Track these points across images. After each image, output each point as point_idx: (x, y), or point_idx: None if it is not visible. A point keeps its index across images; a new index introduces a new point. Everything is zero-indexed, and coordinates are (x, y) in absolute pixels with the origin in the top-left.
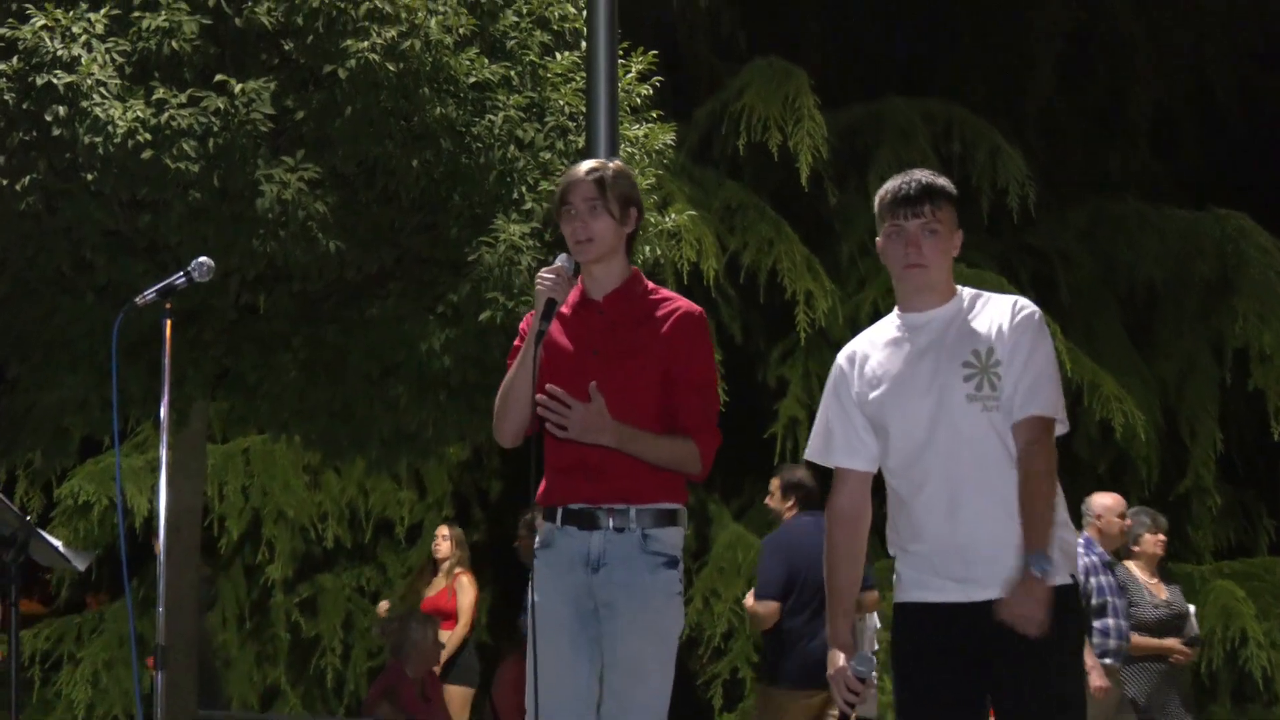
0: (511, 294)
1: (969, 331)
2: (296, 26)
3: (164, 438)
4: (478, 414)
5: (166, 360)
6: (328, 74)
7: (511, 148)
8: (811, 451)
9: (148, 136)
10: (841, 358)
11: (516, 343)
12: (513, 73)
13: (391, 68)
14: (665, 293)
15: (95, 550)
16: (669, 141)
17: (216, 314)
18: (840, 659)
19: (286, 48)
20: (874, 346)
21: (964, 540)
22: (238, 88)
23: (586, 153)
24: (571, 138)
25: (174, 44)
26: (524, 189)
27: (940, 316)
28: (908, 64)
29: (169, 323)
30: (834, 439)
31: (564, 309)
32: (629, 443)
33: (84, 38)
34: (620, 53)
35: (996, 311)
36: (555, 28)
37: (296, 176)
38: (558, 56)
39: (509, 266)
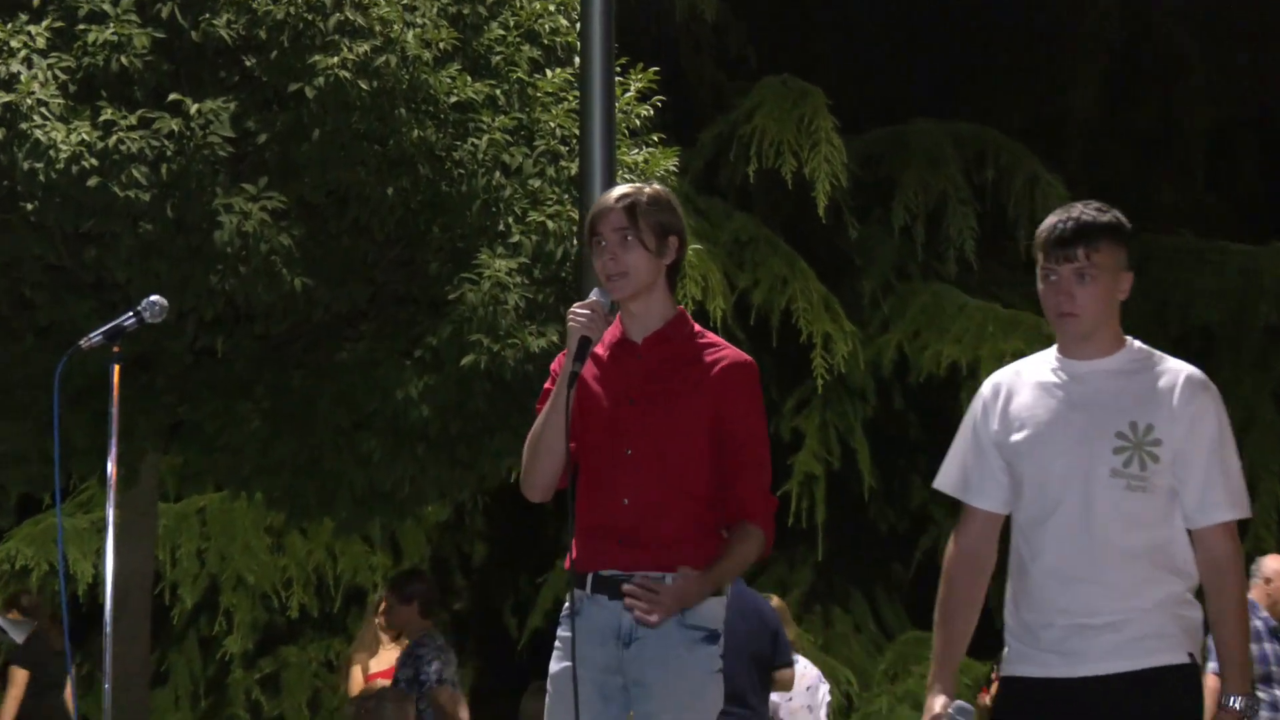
0: (497, 336)
1: (1130, 397)
2: (259, 41)
3: (111, 496)
4: (459, 468)
5: (114, 409)
6: (293, 93)
7: (497, 174)
8: (945, 482)
9: (94, 162)
10: (986, 388)
11: (548, 385)
12: (499, 91)
13: (364, 86)
14: (713, 337)
15: (34, 621)
16: (671, 168)
17: (170, 358)
18: (938, 704)
19: (248, 64)
20: (1023, 384)
21: (1076, 616)
22: (194, 108)
23: (580, 180)
24: (564, 163)
25: (123, 60)
26: (511, 220)
27: (1101, 369)
28: (935, 83)
29: (117, 368)
30: (969, 474)
31: (599, 351)
32: (718, 578)
33: (23, 53)
34: (617, 70)
35: (1166, 380)
36: (546, 42)
37: (259, 206)
38: (548, 74)
39: (494, 306)
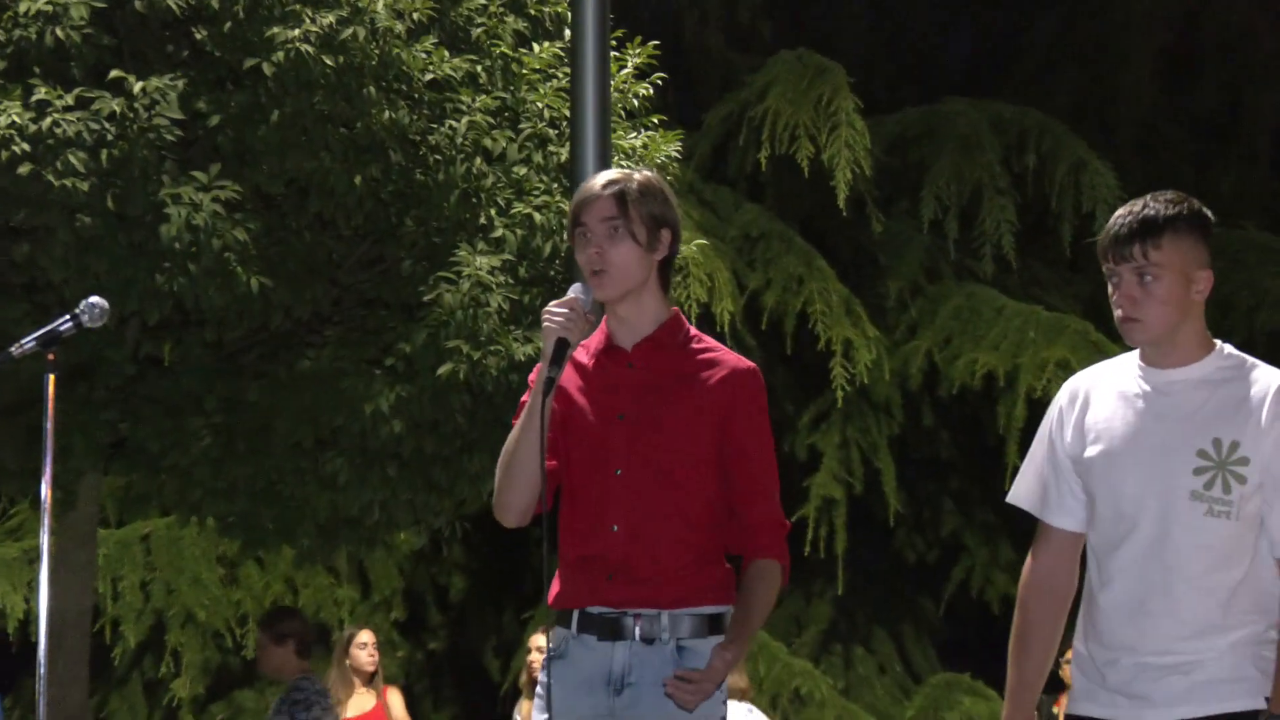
0: (477, 343)
1: (1215, 410)
2: (211, 11)
3: (45, 521)
4: (435, 492)
5: (49, 425)
6: (249, 70)
7: (478, 161)
8: (1019, 496)
9: (25, 147)
10: (1063, 393)
11: (525, 398)
12: (480, 68)
13: (329, 62)
14: (711, 342)
15: None
16: (673, 153)
17: (111, 368)
18: None
19: (198, 37)
20: (1102, 391)
21: (1144, 655)
22: (137, 87)
23: (571, 167)
24: (552, 149)
25: (59, 32)
26: (493, 212)
27: (1186, 378)
28: (971, 59)
29: (52, 379)
30: (1046, 489)
31: (583, 358)
32: (746, 642)
33: None
34: (613, 44)
35: (1256, 390)
36: (532, 12)
37: (210, 197)
38: (535, 48)
39: (474, 309)
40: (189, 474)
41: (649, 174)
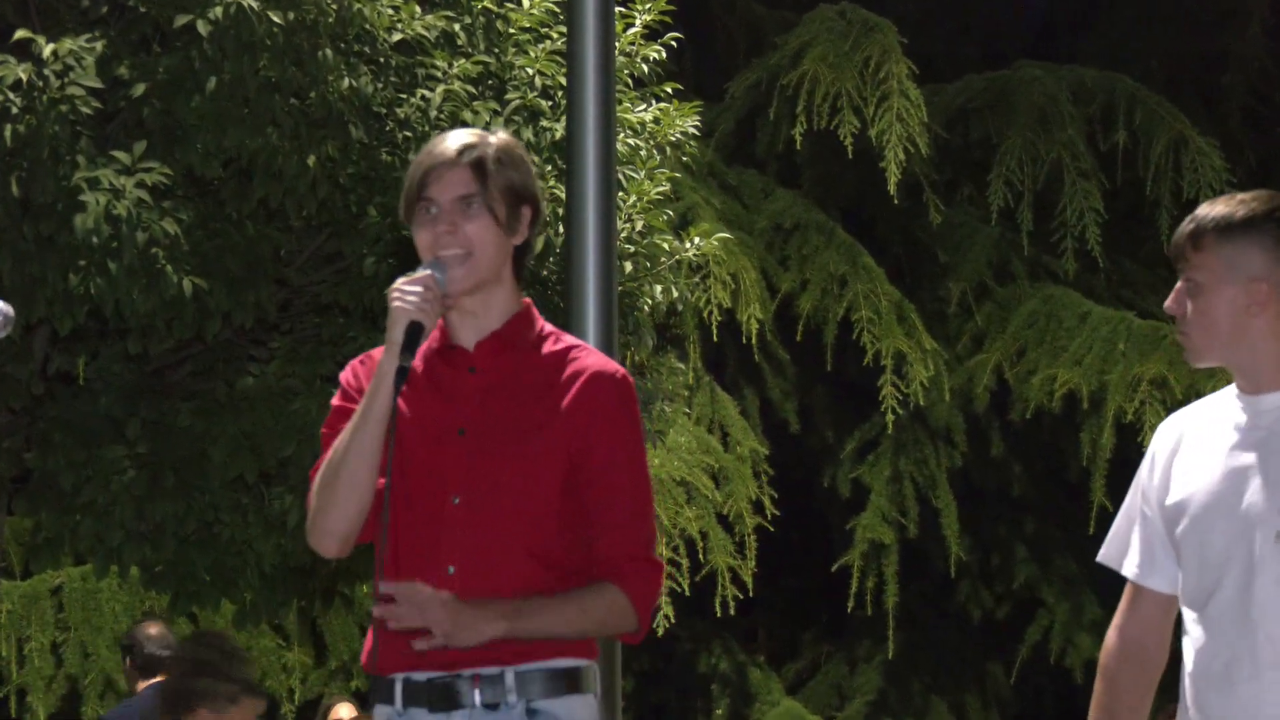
0: None
1: None
2: None
3: None
4: None
5: None
6: (181, 29)
7: None
8: (1111, 554)
9: None
10: (1161, 433)
11: (337, 401)
12: (457, 26)
13: (276, 19)
14: (570, 339)
15: None
16: (691, 129)
17: (13, 386)
18: None
19: None
20: (1202, 426)
21: None
22: (47, 49)
23: (569, 145)
24: (545, 123)
25: None
26: None
27: (1276, 407)
28: (1047, 18)
29: None
30: (1136, 544)
31: (414, 361)
32: (528, 622)
33: None
34: None
35: None
36: None
37: (134, 181)
38: (524, 3)
39: None
40: (108, 513)
41: (505, 135)
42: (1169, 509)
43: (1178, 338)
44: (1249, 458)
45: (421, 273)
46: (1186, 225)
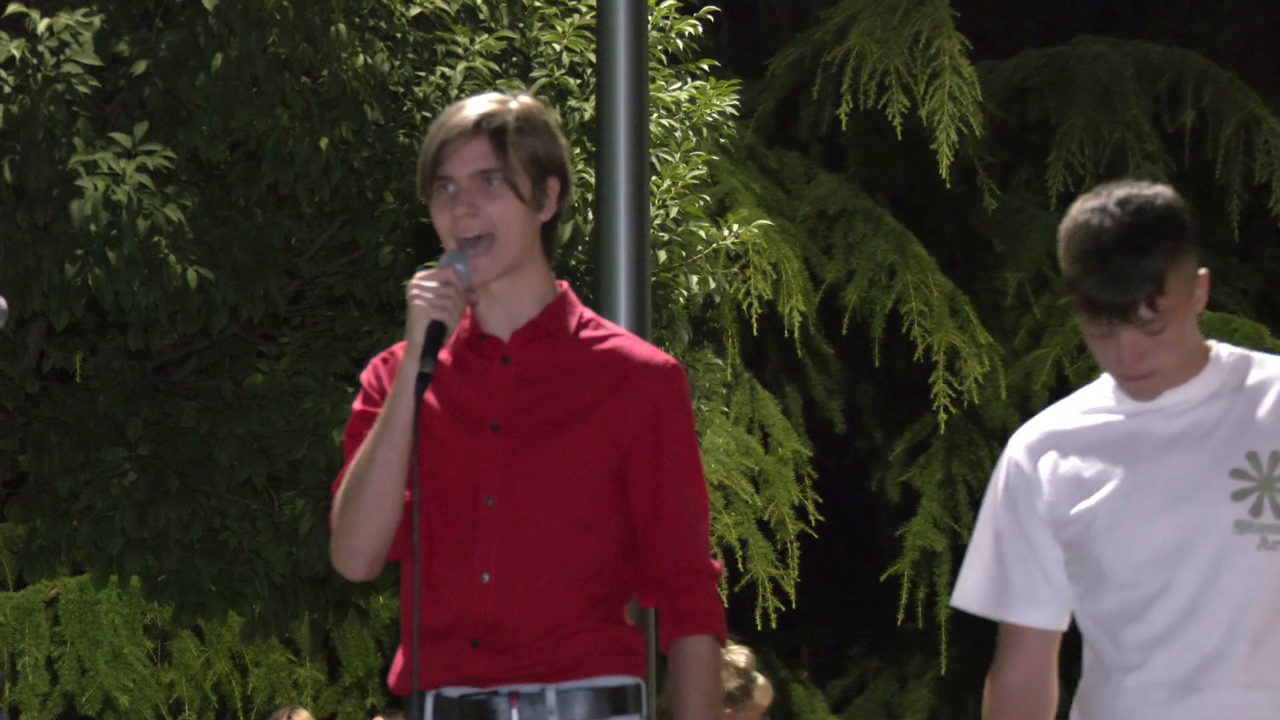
0: None
1: (1240, 420)
2: None
3: None
4: None
5: None
6: (184, 2)
7: None
8: (969, 595)
9: None
10: (1015, 450)
11: (359, 405)
12: (479, 0)
13: None
14: (612, 327)
15: None
16: (729, 108)
17: (7, 384)
18: None
19: None
20: (1077, 431)
21: None
22: (42, 25)
23: (599, 126)
24: (573, 103)
25: None
26: None
27: (1192, 395)
28: None
29: None
30: (1010, 581)
31: (442, 353)
32: None
33: None
34: None
35: None
36: None
37: (135, 165)
38: None
39: None
40: (107, 520)
41: (529, 100)
42: (1072, 522)
43: (1136, 380)
44: (1168, 453)
45: (442, 265)
46: (1116, 281)
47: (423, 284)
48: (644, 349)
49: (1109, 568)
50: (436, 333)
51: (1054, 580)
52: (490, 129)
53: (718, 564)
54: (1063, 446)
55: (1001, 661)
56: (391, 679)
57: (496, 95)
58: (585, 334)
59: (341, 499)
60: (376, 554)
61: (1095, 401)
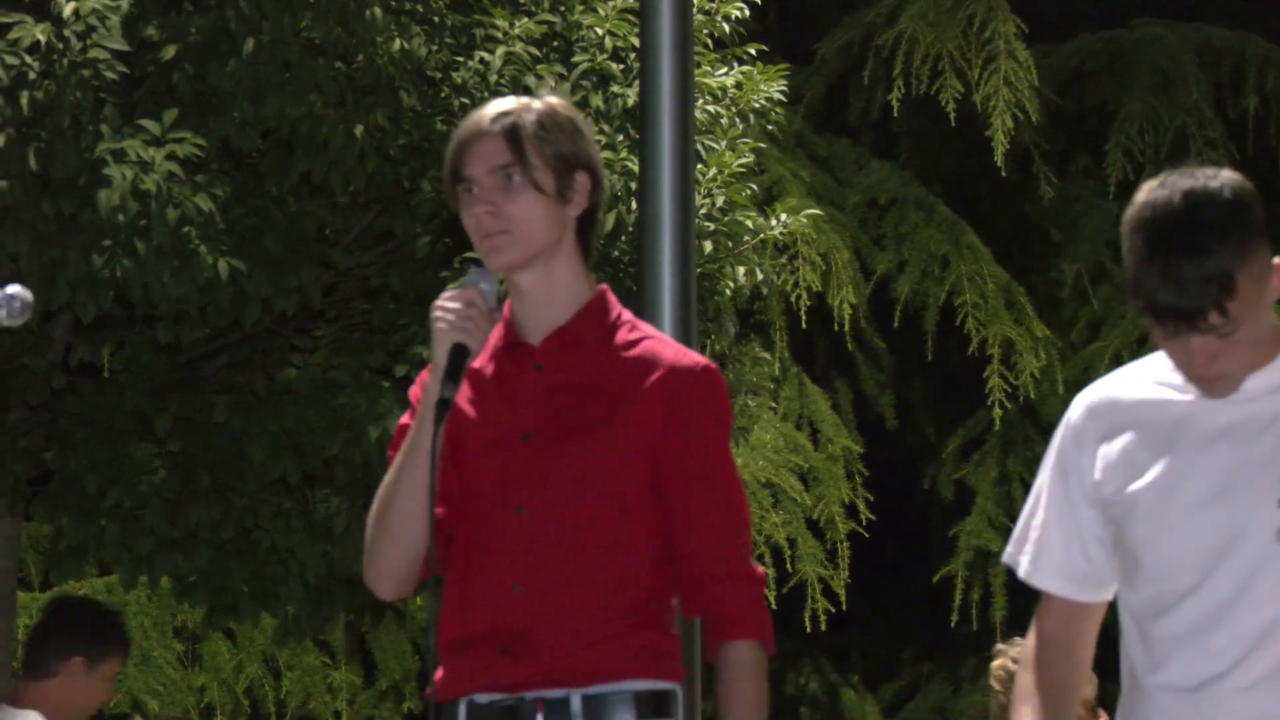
0: None
1: None
2: None
3: None
4: None
5: None
6: None
7: None
8: (1012, 553)
9: None
10: (1078, 410)
11: (405, 420)
12: None
13: None
14: (648, 329)
15: None
16: (777, 94)
17: (33, 379)
18: None
19: None
20: (1139, 404)
21: None
22: (68, 8)
23: (642, 113)
24: (616, 88)
25: None
26: None
27: (1257, 385)
28: None
29: None
30: (1048, 544)
31: (477, 359)
32: None
33: None
34: None
35: None
36: None
37: (164, 154)
38: None
39: None
40: (135, 519)
41: (554, 100)
42: (1123, 499)
43: (1210, 382)
44: (1217, 445)
45: (466, 283)
46: (1185, 289)
47: (445, 305)
48: (673, 350)
49: (1145, 557)
50: (459, 355)
51: (1093, 557)
52: (505, 126)
53: (760, 569)
54: (1121, 418)
55: (1039, 615)
56: (426, 693)
57: (519, 98)
58: (618, 338)
59: (371, 521)
60: (406, 574)
61: (1168, 374)
